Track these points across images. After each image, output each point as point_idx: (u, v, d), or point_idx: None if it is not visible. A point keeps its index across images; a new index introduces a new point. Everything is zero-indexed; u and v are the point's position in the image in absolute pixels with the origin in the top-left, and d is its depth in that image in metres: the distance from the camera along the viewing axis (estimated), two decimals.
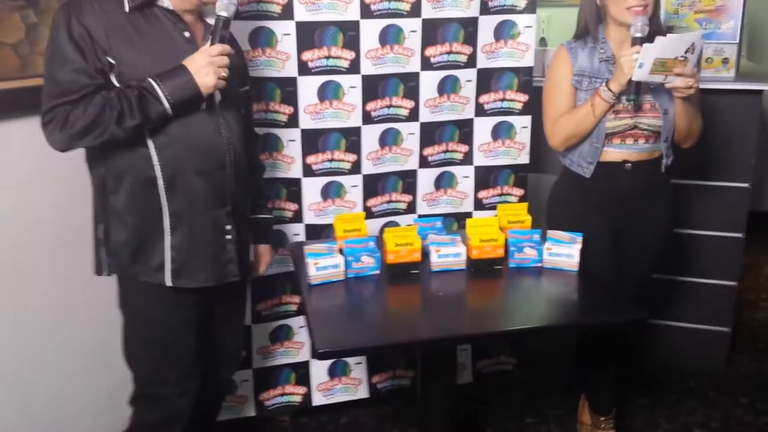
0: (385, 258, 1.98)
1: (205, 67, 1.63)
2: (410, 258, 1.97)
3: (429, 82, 2.41)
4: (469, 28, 2.40)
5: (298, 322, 2.58)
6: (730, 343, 2.98)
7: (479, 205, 2.61)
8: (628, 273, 2.20)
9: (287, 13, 2.24)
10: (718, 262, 2.86)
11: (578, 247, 1.98)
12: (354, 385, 2.68)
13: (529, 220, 2.17)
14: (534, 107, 2.43)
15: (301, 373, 2.63)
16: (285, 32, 2.25)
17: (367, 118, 2.40)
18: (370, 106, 2.39)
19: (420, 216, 2.53)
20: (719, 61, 2.75)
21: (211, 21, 1.76)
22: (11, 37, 1.89)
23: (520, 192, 2.62)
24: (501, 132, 2.54)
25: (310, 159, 2.40)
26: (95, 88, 1.59)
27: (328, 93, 2.34)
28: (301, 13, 2.25)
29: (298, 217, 2.47)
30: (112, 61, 1.61)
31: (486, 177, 2.59)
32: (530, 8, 2.44)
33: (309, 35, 2.27)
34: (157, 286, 1.74)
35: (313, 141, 2.38)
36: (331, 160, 2.41)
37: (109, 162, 1.68)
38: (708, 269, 2.88)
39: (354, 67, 2.33)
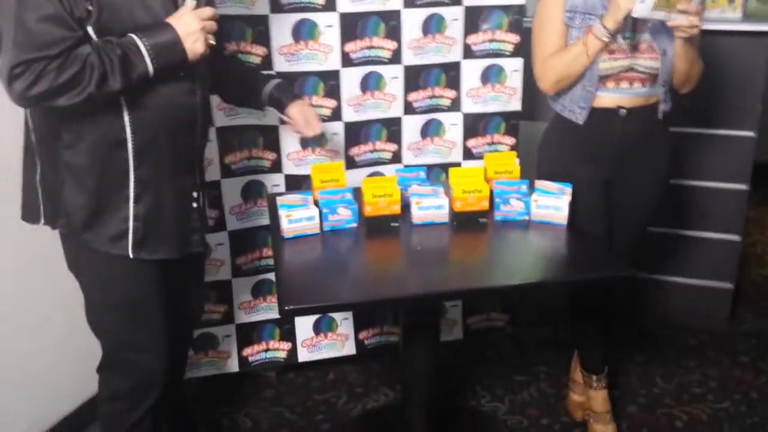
0: (362, 210, 1.87)
1: (197, 32, 1.49)
2: (389, 210, 1.87)
3: (412, 20, 2.26)
4: None
5: None
6: (733, 299, 2.91)
7: (468, 154, 2.49)
8: (621, 227, 2.09)
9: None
10: (721, 215, 2.77)
11: (567, 198, 1.87)
12: (340, 342, 2.62)
13: (518, 171, 2.05)
14: (526, 49, 2.27)
15: (285, 328, 2.58)
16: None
17: (347, 61, 2.27)
18: (348, 47, 2.25)
19: (406, 166, 2.41)
20: (725, 0, 2.60)
21: None
22: None
23: (511, 141, 2.49)
24: (491, 76, 2.40)
25: None
26: (74, 42, 1.40)
27: (303, 33, 2.20)
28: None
29: (277, 167, 2.37)
30: (91, 8, 1.41)
31: (475, 124, 2.45)
32: None
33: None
34: (116, 254, 1.61)
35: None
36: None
37: (72, 113, 1.50)
38: (711, 223, 2.79)
39: (330, 4, 2.19)
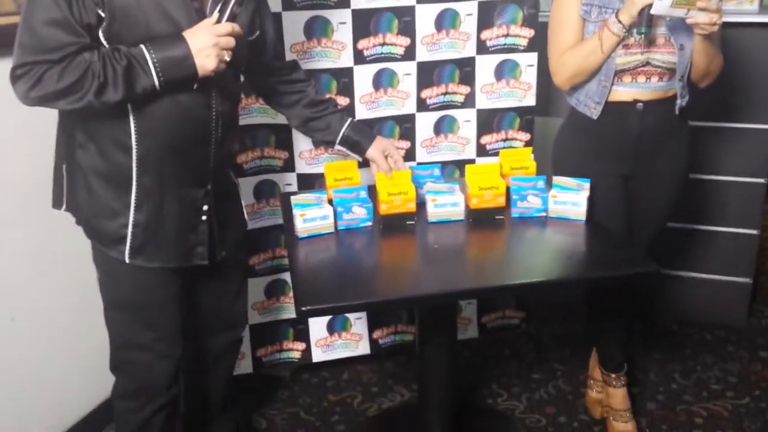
0: (377, 208, 1.85)
1: (209, 48, 1.43)
2: (405, 208, 1.85)
3: (425, 16, 2.24)
4: None
5: None
6: (751, 294, 2.87)
7: (482, 151, 2.46)
8: (639, 222, 2.06)
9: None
10: (738, 209, 2.73)
11: (585, 194, 1.84)
12: (354, 341, 2.60)
13: (534, 166, 2.03)
14: (541, 44, 2.26)
15: (299, 328, 2.56)
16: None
17: (359, 58, 2.25)
18: (361, 44, 2.23)
19: (419, 164, 2.39)
20: None
21: None
22: None
23: (526, 137, 2.46)
24: (505, 71, 2.37)
25: None
26: (78, 48, 1.38)
27: (316, 30, 2.19)
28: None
29: (289, 165, 2.35)
30: (103, 14, 1.39)
31: (489, 121, 2.43)
32: None
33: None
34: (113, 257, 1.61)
35: None
36: None
37: (83, 115, 1.50)
38: (728, 217, 2.76)
39: (343, 1, 2.17)
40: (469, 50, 2.32)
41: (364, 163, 2.31)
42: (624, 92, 1.91)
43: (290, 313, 2.52)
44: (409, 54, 2.28)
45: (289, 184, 2.37)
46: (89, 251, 1.69)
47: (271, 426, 2.36)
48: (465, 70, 2.35)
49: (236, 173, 1.88)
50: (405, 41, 2.25)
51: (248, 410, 2.41)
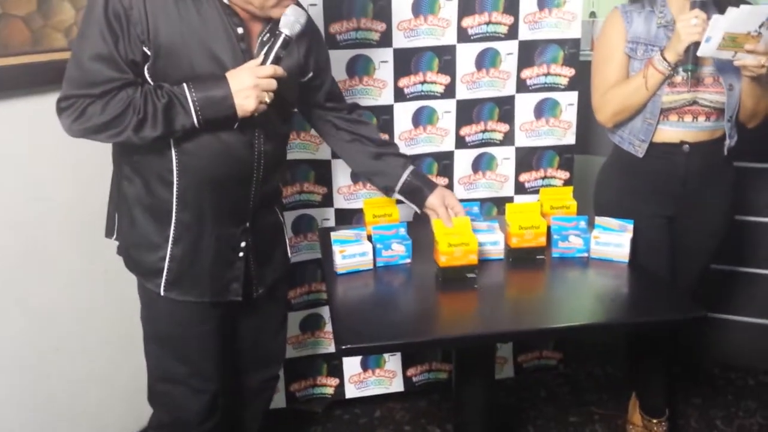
0: (436, 259, 1.77)
1: (249, 89, 1.44)
2: (466, 260, 1.73)
3: (466, 55, 2.25)
4: None
5: (329, 312, 2.45)
6: None
7: (521, 189, 2.45)
8: (683, 264, 2.03)
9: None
10: None
11: (629, 235, 1.80)
12: (388, 378, 2.58)
13: (575, 206, 2.00)
14: (581, 83, 2.25)
15: (332, 364, 2.55)
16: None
17: (400, 95, 2.26)
18: (402, 82, 2.24)
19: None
20: None
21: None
22: (22, 9, 1.80)
23: (565, 175, 2.45)
24: (545, 110, 2.36)
25: None
26: (122, 84, 1.42)
27: (358, 69, 2.21)
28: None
29: (327, 200, 2.36)
30: (149, 53, 1.42)
31: (528, 158, 2.42)
32: None
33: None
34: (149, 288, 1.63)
35: None
36: None
37: (129, 149, 1.54)
38: None
39: (385, 40, 2.19)
40: (509, 89, 2.33)
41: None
42: (670, 132, 1.89)
43: (325, 348, 2.51)
44: (449, 92, 2.28)
45: (327, 219, 2.37)
46: (130, 284, 1.70)
47: None
48: (504, 108, 2.35)
49: (282, 210, 1.87)
50: (445, 80, 2.27)
51: None
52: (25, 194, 1.88)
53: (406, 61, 2.22)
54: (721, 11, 1.67)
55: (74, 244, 2.01)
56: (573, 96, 2.35)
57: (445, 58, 2.24)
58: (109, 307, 2.13)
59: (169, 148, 1.51)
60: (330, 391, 2.56)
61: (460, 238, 1.71)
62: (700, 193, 1.94)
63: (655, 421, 2.17)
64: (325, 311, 2.48)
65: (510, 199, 2.44)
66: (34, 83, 1.82)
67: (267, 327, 1.90)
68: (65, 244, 1.99)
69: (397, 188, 1.88)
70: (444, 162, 2.37)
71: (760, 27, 1.68)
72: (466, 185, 2.42)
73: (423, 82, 2.26)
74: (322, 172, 2.32)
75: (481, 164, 2.41)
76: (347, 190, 2.34)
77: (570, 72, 2.33)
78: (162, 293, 1.61)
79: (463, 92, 2.29)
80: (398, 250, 1.85)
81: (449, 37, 2.22)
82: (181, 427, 1.74)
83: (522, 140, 2.39)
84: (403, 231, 1.88)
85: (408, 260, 1.85)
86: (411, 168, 1.89)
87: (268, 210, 1.75)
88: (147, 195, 1.56)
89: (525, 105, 2.35)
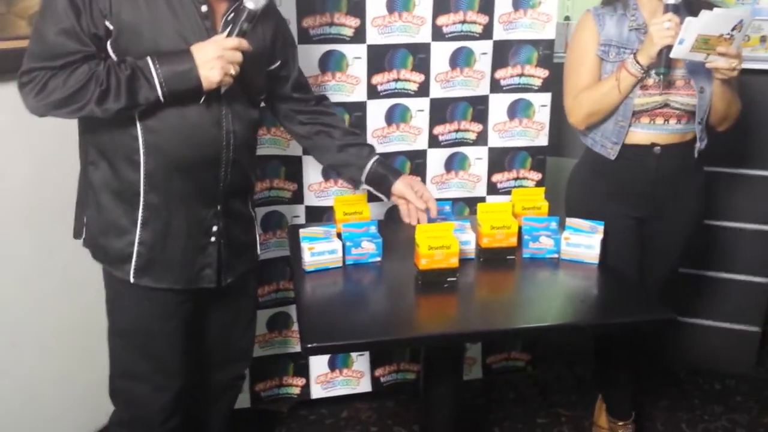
0: (416, 262, 1.74)
1: (214, 60, 1.43)
2: (447, 264, 1.70)
3: (440, 53, 2.24)
4: None
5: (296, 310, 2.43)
6: (760, 343, 2.82)
7: (493, 189, 2.44)
8: (651, 267, 2.04)
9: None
10: (749, 256, 2.70)
11: (599, 237, 1.80)
12: (355, 378, 2.55)
13: (546, 207, 2.00)
14: (554, 84, 2.25)
15: (299, 363, 2.51)
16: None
17: (373, 93, 2.24)
18: (376, 79, 2.22)
19: None
20: (757, 39, 2.58)
21: None
22: None
23: (537, 176, 2.45)
24: (518, 110, 2.36)
25: None
26: (83, 57, 1.41)
27: (330, 64, 2.18)
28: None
29: (298, 197, 2.33)
30: (111, 27, 1.41)
31: (501, 159, 2.41)
32: None
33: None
34: (118, 278, 1.59)
35: None
36: None
37: (95, 131, 1.52)
38: (738, 264, 2.73)
39: (359, 36, 2.16)
40: (482, 88, 2.32)
41: (373, 198, 2.30)
42: (641, 134, 1.89)
43: (292, 348, 2.48)
44: (423, 90, 2.27)
45: (297, 216, 2.34)
46: (91, 276, 1.66)
47: None
48: (478, 108, 2.34)
49: (253, 205, 1.84)
50: (419, 78, 2.25)
51: None
52: None
53: (380, 58, 2.20)
54: (693, 15, 1.67)
55: (30, 236, 1.95)
56: (546, 97, 2.35)
57: (420, 56, 2.22)
58: (68, 301, 2.08)
59: (135, 127, 1.48)
60: (296, 391, 2.52)
61: (441, 241, 1.68)
62: (671, 196, 1.95)
63: (621, 423, 2.18)
64: (293, 310, 2.44)
65: (482, 200, 2.43)
66: None
67: (236, 322, 1.87)
68: (20, 235, 1.93)
69: (363, 178, 1.87)
70: (417, 161, 2.36)
71: (732, 30, 1.69)
72: (439, 185, 2.40)
73: (397, 80, 2.24)
74: (293, 169, 2.28)
75: (453, 164, 2.40)
76: (318, 187, 2.31)
77: (544, 73, 2.33)
78: (132, 280, 1.57)
79: (437, 91, 2.28)
80: (368, 248, 1.82)
81: (424, 35, 2.20)
82: (143, 425, 1.71)
83: (495, 140, 2.39)
84: (373, 229, 1.86)
85: (378, 259, 1.83)
86: (376, 157, 1.88)
87: (239, 199, 1.72)
88: (114, 178, 1.53)
89: (498, 105, 2.35)
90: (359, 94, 2.22)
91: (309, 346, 1.45)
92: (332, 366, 2.52)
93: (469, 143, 2.38)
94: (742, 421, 2.53)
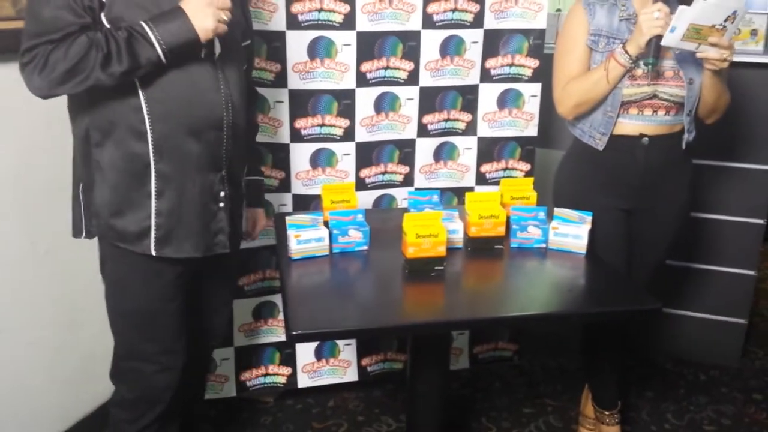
0: (403, 250, 1.74)
1: (204, 7, 1.46)
2: (434, 252, 1.70)
3: (431, 41, 2.22)
4: None
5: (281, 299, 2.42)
6: (746, 335, 2.84)
7: (482, 179, 2.43)
8: (638, 258, 2.04)
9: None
10: (736, 249, 2.71)
11: (587, 227, 1.80)
12: (342, 368, 2.55)
13: (535, 197, 1.99)
14: (545, 74, 2.24)
15: (285, 353, 2.50)
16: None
17: (362, 80, 2.22)
18: (365, 66, 2.20)
19: (417, 189, 2.36)
20: (748, 32, 2.60)
21: None
22: None
23: (526, 167, 2.44)
24: (508, 100, 2.35)
25: (299, 123, 2.23)
26: (80, 27, 1.42)
27: (319, 51, 2.16)
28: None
29: (285, 185, 2.31)
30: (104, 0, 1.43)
31: (490, 149, 2.40)
32: None
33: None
34: (138, 254, 1.59)
35: (302, 104, 2.20)
36: (322, 125, 2.24)
37: (96, 112, 1.52)
38: (725, 257, 2.74)
39: (349, 23, 2.14)
40: (472, 78, 2.30)
41: (362, 186, 2.30)
42: (630, 125, 1.89)
43: (277, 337, 2.47)
44: (413, 79, 2.25)
45: (284, 205, 2.33)
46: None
47: None
48: (468, 97, 2.33)
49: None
50: (409, 66, 2.23)
51: None
52: None
53: (370, 45, 2.18)
54: (686, 3, 1.66)
55: (16, 216, 1.93)
56: (536, 87, 2.34)
57: (410, 44, 2.20)
58: (50, 289, 2.06)
59: (138, 98, 1.50)
60: (282, 380, 2.51)
61: (429, 230, 1.68)
62: (658, 187, 1.95)
63: (607, 413, 2.18)
64: (279, 299, 2.43)
65: (471, 190, 2.42)
66: None
67: (218, 297, 1.90)
68: (6, 217, 1.91)
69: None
70: (405, 150, 2.35)
71: (725, 21, 1.68)
72: (427, 174, 2.39)
73: (386, 68, 2.22)
74: (280, 156, 2.27)
75: (442, 153, 2.39)
76: (306, 176, 2.29)
77: (534, 63, 2.32)
78: (154, 253, 1.58)
79: (426, 79, 2.26)
80: (355, 237, 1.82)
81: (414, 23, 2.19)
82: (146, 403, 1.72)
83: (484, 130, 2.38)
84: (360, 217, 1.85)
85: (365, 247, 1.82)
86: (250, 180, 1.94)
87: (239, 168, 1.74)
88: (121, 153, 1.53)
89: (488, 95, 2.34)
90: (348, 81, 2.20)
91: (295, 333, 1.44)
92: (319, 355, 2.51)
93: (459, 133, 2.37)
94: (727, 411, 2.54)
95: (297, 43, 2.13)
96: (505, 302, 1.70)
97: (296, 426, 2.42)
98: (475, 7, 2.22)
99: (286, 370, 2.51)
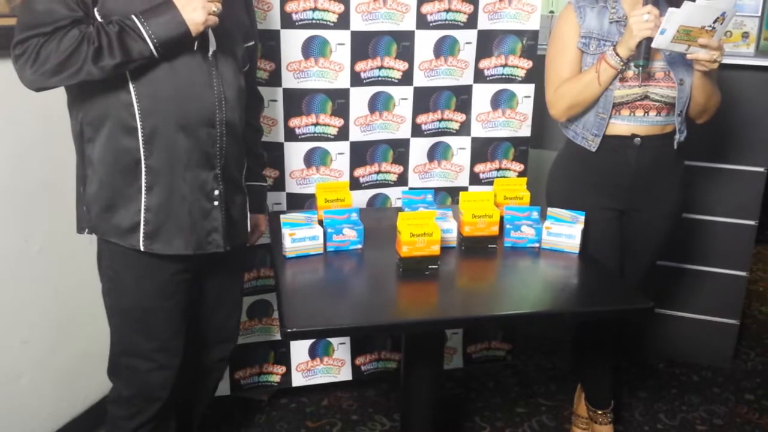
0: (398, 249, 1.73)
1: (194, 1, 1.46)
2: (428, 251, 1.70)
3: (425, 42, 2.23)
4: None
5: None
6: (737, 336, 2.86)
7: (475, 179, 2.44)
8: (632, 257, 2.05)
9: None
10: (728, 250, 2.73)
11: (580, 227, 1.81)
12: (336, 367, 2.55)
13: (528, 197, 2.00)
14: (538, 75, 2.25)
15: (280, 351, 2.50)
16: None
17: (356, 80, 2.23)
18: (359, 66, 2.21)
19: (411, 189, 2.36)
20: (739, 35, 2.61)
21: None
22: None
23: (519, 167, 2.45)
24: (501, 101, 2.36)
25: (293, 122, 2.23)
26: (72, 21, 1.43)
27: (314, 50, 2.16)
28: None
29: (279, 184, 2.31)
30: None
31: (483, 149, 2.41)
32: None
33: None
34: (130, 249, 1.59)
35: (296, 103, 2.21)
36: (316, 124, 2.24)
37: (88, 107, 1.53)
38: (717, 257, 2.75)
39: (343, 22, 2.15)
40: (466, 78, 2.31)
41: (356, 186, 2.30)
42: (622, 126, 1.90)
43: (272, 335, 2.47)
44: (407, 79, 2.26)
45: (278, 204, 2.33)
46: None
47: None
48: (461, 97, 2.34)
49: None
50: (403, 66, 2.24)
51: None
52: None
53: (364, 45, 2.19)
54: (674, 7, 1.68)
55: (8, 212, 1.93)
56: (530, 88, 2.35)
57: (404, 44, 2.21)
58: (43, 286, 2.05)
59: (129, 94, 1.50)
60: (276, 379, 2.52)
61: (423, 228, 1.68)
62: (650, 188, 1.96)
63: (600, 412, 2.19)
64: (273, 298, 2.43)
65: (465, 189, 2.43)
66: None
67: (226, 300, 1.89)
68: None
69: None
70: (399, 149, 2.35)
71: (714, 22, 1.69)
72: (421, 174, 2.40)
73: (380, 67, 2.23)
74: (275, 155, 2.27)
75: (436, 153, 2.40)
76: (300, 174, 2.30)
77: (528, 64, 2.33)
78: (142, 248, 1.58)
79: (420, 79, 2.27)
80: (349, 236, 1.82)
81: (408, 23, 2.20)
82: (143, 400, 1.72)
83: (478, 131, 2.39)
84: (355, 216, 1.85)
85: (359, 246, 1.83)
86: (264, 183, 1.99)
87: (236, 168, 1.73)
88: (112, 148, 1.54)
89: (482, 95, 2.35)
90: (342, 81, 2.21)
91: (289, 330, 1.44)
92: (313, 354, 2.52)
93: (452, 133, 2.38)
94: (719, 411, 2.55)
95: (291, 42, 2.14)
96: (499, 301, 1.71)
97: (290, 425, 2.43)
98: (468, 8, 2.23)
99: (281, 369, 2.51)
